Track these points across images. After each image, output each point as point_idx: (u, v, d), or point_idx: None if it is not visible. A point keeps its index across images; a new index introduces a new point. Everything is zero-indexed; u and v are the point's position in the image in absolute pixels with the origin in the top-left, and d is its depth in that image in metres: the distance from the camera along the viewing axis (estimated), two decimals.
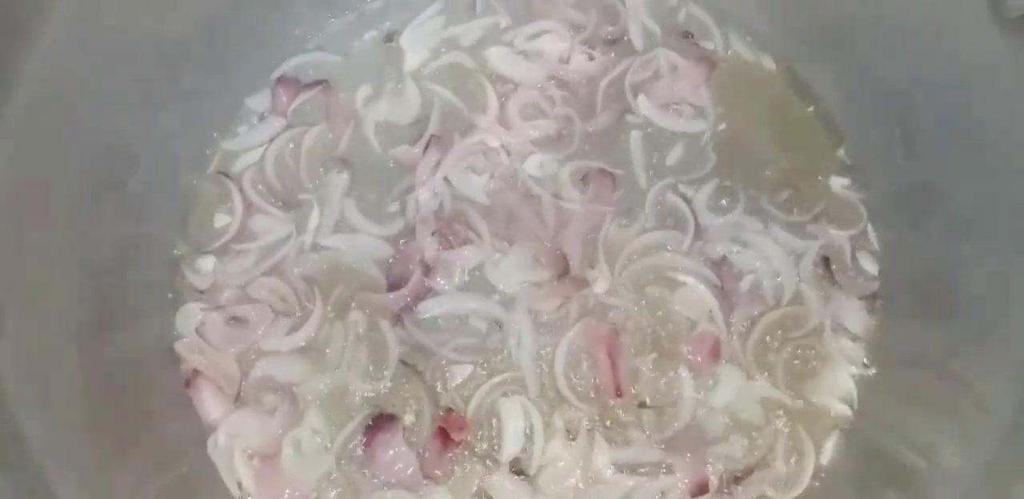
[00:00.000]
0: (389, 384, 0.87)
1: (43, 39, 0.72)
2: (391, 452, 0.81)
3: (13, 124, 0.69)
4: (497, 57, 1.01)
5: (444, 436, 0.83)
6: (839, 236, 0.94)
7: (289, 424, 0.84)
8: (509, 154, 0.97)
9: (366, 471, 0.83)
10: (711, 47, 1.02)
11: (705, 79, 1.01)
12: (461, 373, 0.87)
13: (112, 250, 0.82)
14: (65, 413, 0.66)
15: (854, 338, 0.91)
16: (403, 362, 0.87)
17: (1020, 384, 0.72)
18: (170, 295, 0.89)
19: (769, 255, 0.93)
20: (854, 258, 0.94)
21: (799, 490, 0.86)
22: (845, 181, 0.97)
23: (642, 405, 0.88)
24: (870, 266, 0.94)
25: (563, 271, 0.92)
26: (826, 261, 0.93)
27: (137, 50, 0.83)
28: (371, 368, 0.87)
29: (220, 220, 0.93)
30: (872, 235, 0.95)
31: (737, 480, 0.85)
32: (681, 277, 0.92)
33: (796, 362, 0.90)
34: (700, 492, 0.84)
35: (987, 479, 0.70)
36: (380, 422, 0.83)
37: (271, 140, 0.96)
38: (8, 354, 0.62)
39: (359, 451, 0.84)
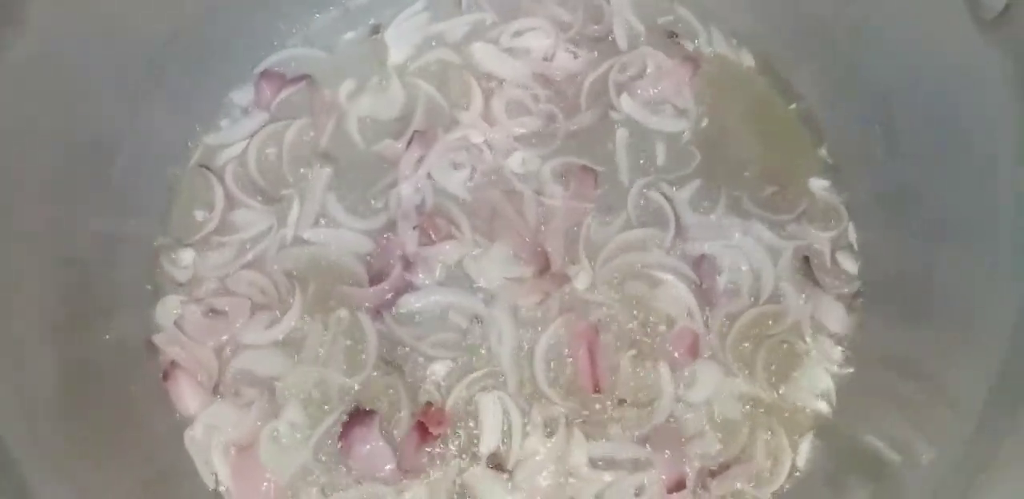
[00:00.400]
0: (368, 379, 0.86)
1: (24, 27, 0.71)
2: (367, 447, 0.81)
3: None
4: (482, 54, 1.02)
5: (423, 430, 0.83)
6: (819, 237, 0.95)
7: (267, 417, 0.84)
8: (492, 150, 0.97)
9: (343, 465, 0.83)
10: (695, 47, 1.03)
11: (688, 79, 1.01)
12: (440, 368, 0.88)
13: (91, 241, 0.82)
14: (42, 406, 0.66)
15: (833, 336, 0.92)
16: (382, 357, 0.87)
17: (988, 382, 0.73)
18: (149, 287, 0.88)
19: (749, 253, 0.94)
20: (834, 258, 0.95)
21: (775, 486, 0.87)
22: (825, 183, 0.97)
23: (621, 402, 0.88)
24: (850, 266, 0.95)
25: (544, 267, 0.92)
26: (806, 260, 0.94)
27: (120, 41, 0.83)
28: (350, 363, 0.87)
29: (201, 213, 0.93)
30: (852, 235, 0.96)
31: (712, 474, 0.86)
32: (661, 274, 0.92)
33: (775, 360, 0.91)
34: (677, 488, 0.85)
35: (956, 471, 0.70)
36: (357, 417, 0.83)
37: (253, 134, 0.96)
38: None
39: (336, 445, 0.84)
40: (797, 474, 0.88)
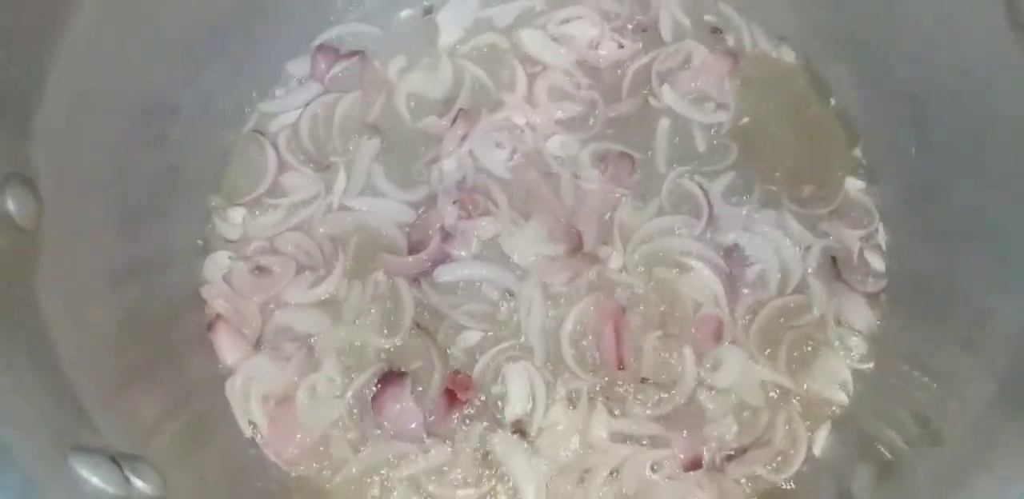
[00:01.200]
0: (402, 342, 0.90)
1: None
2: (398, 406, 0.85)
3: (67, 74, 0.71)
4: (529, 39, 1.05)
5: (451, 396, 0.87)
6: (849, 235, 0.97)
7: (305, 371, 0.87)
8: (533, 132, 1.00)
9: (374, 422, 0.87)
10: (737, 43, 1.06)
11: (728, 73, 1.04)
12: (471, 337, 0.91)
13: (149, 197, 0.85)
14: (96, 338, 0.69)
15: (856, 333, 0.94)
16: (416, 322, 0.91)
17: (999, 381, 0.74)
18: (200, 242, 0.92)
19: (779, 246, 0.96)
20: (862, 256, 0.97)
21: (790, 472, 0.89)
22: (860, 184, 1.00)
23: (643, 380, 0.91)
24: (877, 264, 0.97)
25: (576, 247, 0.95)
26: (833, 260, 0.96)
27: (186, 7, 0.86)
28: (386, 326, 0.91)
29: (253, 175, 0.97)
30: (882, 234, 0.98)
31: (730, 458, 0.88)
32: (691, 261, 0.95)
33: (797, 350, 0.93)
34: (693, 467, 0.87)
35: (960, 462, 0.73)
36: (390, 377, 0.87)
37: (307, 104, 0.99)
38: (47, 281, 0.65)
39: (369, 403, 0.87)
40: (812, 461, 0.90)
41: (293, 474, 0.85)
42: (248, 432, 0.86)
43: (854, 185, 1.00)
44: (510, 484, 0.86)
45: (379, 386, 0.87)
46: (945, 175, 0.89)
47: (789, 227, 0.97)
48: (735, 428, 0.90)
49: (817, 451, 0.90)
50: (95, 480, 0.50)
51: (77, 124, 0.74)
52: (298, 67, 1.02)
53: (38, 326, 0.60)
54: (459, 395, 0.86)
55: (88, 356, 0.64)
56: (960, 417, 0.77)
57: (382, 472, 0.86)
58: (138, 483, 0.55)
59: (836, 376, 0.93)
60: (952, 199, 0.89)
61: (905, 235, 0.96)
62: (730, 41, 1.06)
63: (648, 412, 0.89)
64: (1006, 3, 0.76)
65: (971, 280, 0.84)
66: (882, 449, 0.84)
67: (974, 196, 0.85)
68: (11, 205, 0.62)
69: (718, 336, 0.92)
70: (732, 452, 0.89)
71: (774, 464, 0.89)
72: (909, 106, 0.92)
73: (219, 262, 0.91)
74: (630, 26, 1.06)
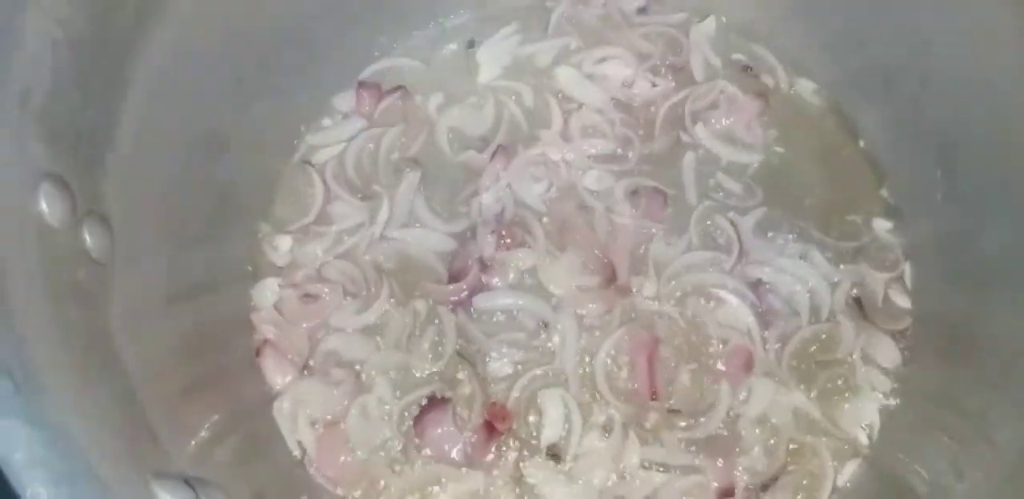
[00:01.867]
0: (445, 368, 0.93)
1: (165, 21, 0.79)
2: (439, 431, 0.88)
3: (135, 113, 0.76)
4: (564, 77, 1.09)
5: (489, 427, 0.90)
6: (875, 276, 1.00)
7: (353, 395, 0.90)
8: (569, 167, 1.04)
9: (416, 445, 0.90)
10: (769, 82, 1.09)
11: (757, 114, 1.07)
12: (506, 364, 0.94)
13: (203, 226, 0.89)
14: (156, 364, 0.72)
15: (882, 370, 0.96)
16: (456, 350, 0.94)
17: None
18: (250, 269, 0.96)
19: (807, 282, 0.99)
20: (887, 296, 0.99)
21: None
22: (888, 225, 1.02)
23: (675, 411, 0.93)
24: (903, 304, 0.99)
25: (610, 279, 0.98)
26: (858, 300, 0.99)
27: (235, 51, 0.90)
28: (430, 352, 0.94)
29: (301, 204, 1.01)
30: (908, 275, 1.00)
31: (765, 488, 0.90)
32: (722, 294, 0.98)
33: (828, 385, 0.95)
34: (726, 495, 0.90)
35: None
36: (433, 402, 0.90)
37: (352, 138, 1.03)
38: (116, 309, 0.68)
39: (411, 426, 0.90)
40: (837, 492, 0.92)
41: (340, 494, 0.88)
42: (297, 453, 0.89)
43: (881, 225, 1.02)
44: None
45: (422, 411, 0.90)
46: (973, 218, 0.92)
47: (817, 264, 1.00)
48: (765, 459, 0.92)
49: (842, 484, 0.92)
50: None
51: (141, 160, 0.78)
52: (343, 102, 1.06)
53: (113, 354, 0.63)
54: (497, 426, 0.89)
55: (150, 382, 0.67)
56: (988, 459, 0.79)
57: (422, 494, 0.88)
58: None
59: (863, 417, 0.95)
60: (981, 242, 0.91)
61: (932, 276, 0.98)
62: (762, 79, 1.09)
63: (681, 441, 0.91)
64: None
65: (1001, 323, 0.85)
66: (909, 491, 0.86)
67: (1003, 239, 0.87)
68: (88, 240, 0.66)
69: (749, 367, 0.95)
70: (766, 481, 0.91)
71: (800, 496, 0.91)
72: (937, 149, 0.95)
73: (269, 288, 0.94)
74: (663, 66, 1.10)
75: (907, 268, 1.01)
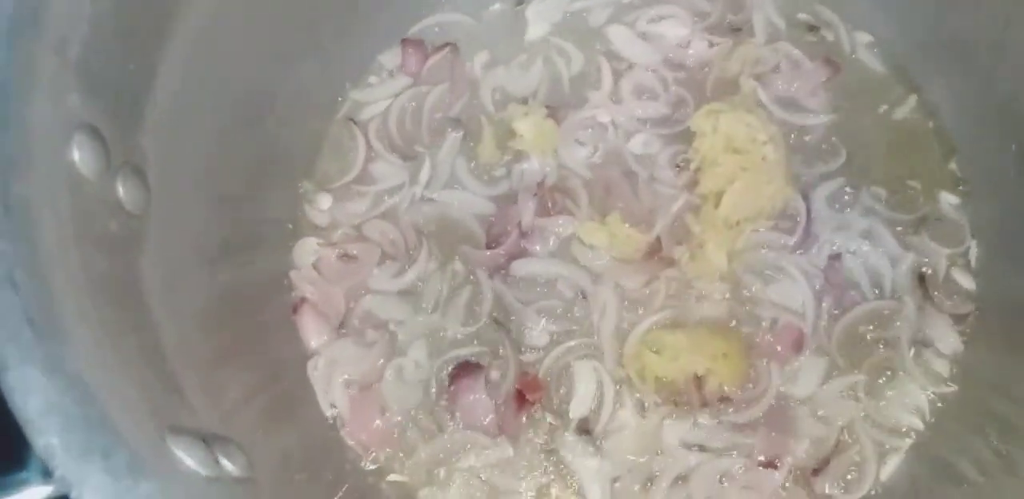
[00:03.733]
0: (480, 332, 0.92)
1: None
2: (472, 397, 0.87)
3: (176, 68, 0.74)
4: (617, 36, 1.04)
5: (520, 397, 0.88)
6: (939, 252, 0.95)
7: (389, 355, 0.90)
8: (617, 130, 1.00)
9: (448, 411, 0.89)
10: (834, 47, 1.03)
11: (825, 82, 1.01)
12: (543, 333, 0.92)
13: (244, 182, 0.88)
14: (190, 319, 0.72)
15: (940, 355, 0.92)
16: (492, 316, 0.92)
17: None
18: (290, 227, 0.96)
19: (870, 258, 0.94)
20: (950, 276, 0.94)
21: (861, 493, 0.88)
22: (954, 199, 0.97)
23: (724, 398, 0.90)
24: (967, 285, 0.94)
25: (655, 249, 0.95)
26: (921, 277, 0.94)
27: (279, 6, 0.88)
28: (467, 315, 0.93)
29: (344, 162, 0.99)
30: (973, 253, 0.95)
31: (816, 472, 0.87)
32: (777, 269, 0.94)
33: (881, 367, 0.92)
34: (771, 466, 0.87)
35: None
36: (466, 368, 0.89)
37: (397, 95, 1.01)
38: (150, 263, 0.68)
39: (444, 391, 0.90)
40: (879, 485, 0.89)
41: (370, 459, 0.88)
42: (329, 413, 0.89)
43: (948, 200, 0.97)
44: (572, 482, 0.88)
45: (455, 376, 0.89)
46: None
47: (882, 238, 0.95)
48: (813, 443, 0.89)
49: (885, 476, 0.88)
50: (189, 461, 0.53)
51: (182, 115, 0.77)
52: (390, 58, 1.03)
53: (142, 306, 0.64)
54: (528, 396, 0.87)
55: (183, 336, 0.67)
56: None
57: (450, 460, 0.88)
58: (227, 465, 0.57)
59: (912, 401, 0.90)
60: None
61: (999, 256, 0.93)
62: (827, 40, 1.03)
63: (723, 423, 0.89)
64: None
65: None
66: (959, 474, 0.82)
67: None
68: (122, 192, 0.65)
69: (798, 346, 0.91)
70: (817, 465, 0.88)
71: (843, 484, 0.88)
72: (1011, 123, 0.89)
73: (308, 248, 0.94)
74: (723, 24, 1.05)
75: (973, 247, 0.95)
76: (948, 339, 0.92)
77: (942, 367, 0.91)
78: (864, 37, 1.04)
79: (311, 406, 0.88)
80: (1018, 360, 0.86)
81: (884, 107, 1.01)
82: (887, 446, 0.90)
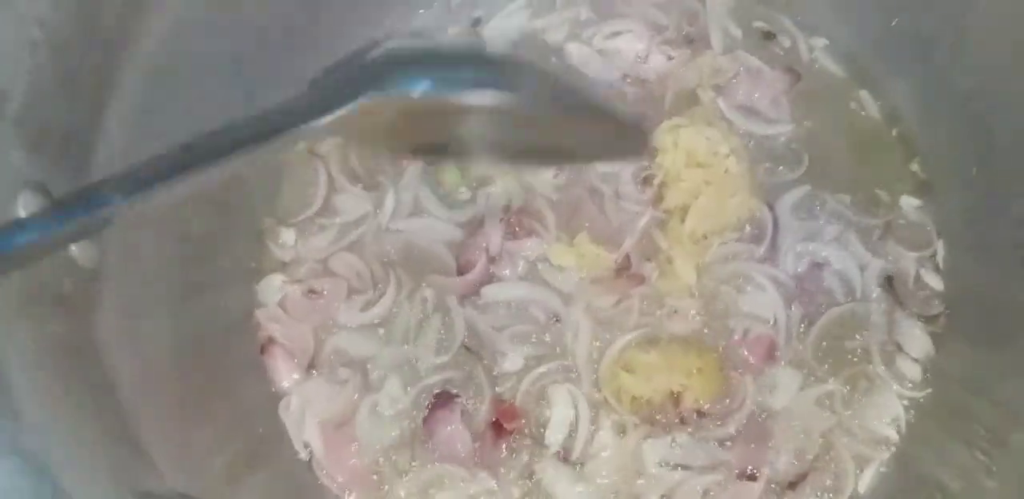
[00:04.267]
0: (453, 362, 0.91)
1: (151, 37, 0.76)
2: (448, 429, 0.86)
3: (126, 108, 0.73)
4: (575, 53, 1.04)
5: (498, 427, 0.88)
6: (906, 255, 0.95)
7: (362, 392, 0.89)
8: None
9: (424, 443, 0.88)
10: (791, 53, 1.03)
11: (786, 90, 1.02)
12: (517, 359, 0.91)
13: (204, 222, 0.86)
14: (152, 369, 0.71)
15: (911, 359, 0.92)
16: (464, 344, 0.92)
17: None
18: (254, 265, 0.94)
19: (840, 262, 0.95)
20: (919, 278, 0.95)
21: None
22: (917, 202, 0.97)
23: (701, 413, 0.90)
24: (936, 285, 0.94)
25: (623, 266, 0.95)
26: (890, 280, 0.94)
27: (235, 45, 0.87)
28: (437, 345, 0.92)
29: (306, 195, 0.98)
30: (940, 255, 0.95)
31: (792, 485, 0.87)
32: (747, 281, 0.94)
33: (854, 376, 0.92)
34: (750, 479, 0.87)
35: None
36: (441, 399, 0.88)
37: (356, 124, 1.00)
38: (106, 318, 0.66)
39: (421, 424, 0.89)
40: (860, 496, 0.89)
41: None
42: (304, 455, 0.88)
43: (910, 203, 0.97)
44: None
45: (431, 408, 0.88)
46: (1008, 195, 0.87)
47: (850, 244, 0.95)
48: (791, 456, 0.89)
49: (863, 488, 0.89)
50: None
51: (135, 157, 0.76)
52: None
53: (99, 366, 0.62)
54: (506, 425, 0.87)
55: (145, 389, 0.66)
56: (1020, 452, 0.75)
57: (429, 492, 0.87)
58: None
59: (888, 412, 0.91)
60: (1015, 221, 0.86)
61: (964, 256, 0.93)
62: (783, 48, 1.03)
63: (702, 440, 0.88)
64: None
65: None
66: (938, 482, 0.82)
67: None
68: (74, 248, 0.64)
69: (771, 356, 0.91)
70: (793, 479, 0.88)
71: (820, 496, 0.88)
72: (971, 123, 0.90)
73: (273, 285, 0.93)
74: (679, 37, 1.04)
75: (940, 247, 0.96)
76: (919, 343, 0.92)
77: (914, 372, 0.92)
78: (820, 41, 1.04)
79: (285, 448, 0.87)
80: (991, 359, 0.86)
81: (844, 112, 1.02)
82: (864, 457, 0.90)
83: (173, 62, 0.79)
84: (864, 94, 1.02)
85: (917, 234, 0.96)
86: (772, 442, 0.89)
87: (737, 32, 1.04)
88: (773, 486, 0.88)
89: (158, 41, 0.76)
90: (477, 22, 1.06)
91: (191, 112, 0.82)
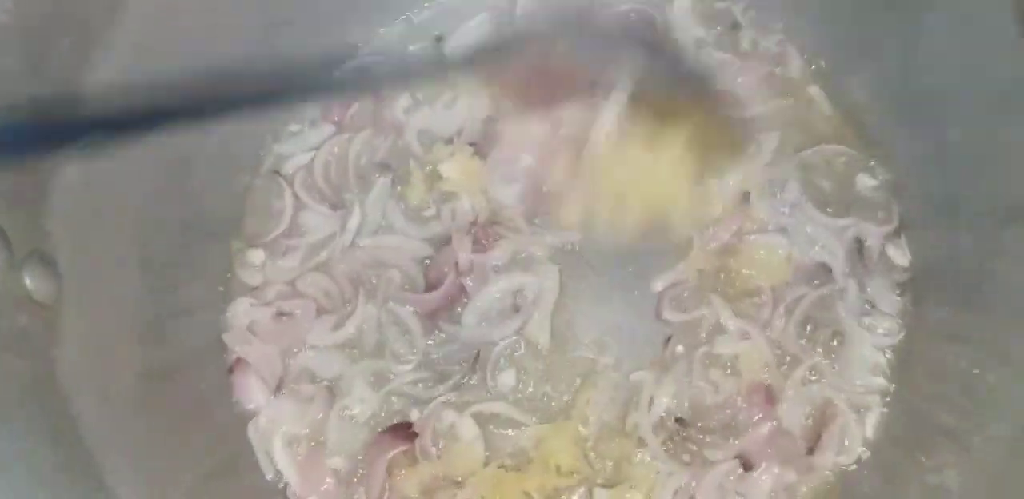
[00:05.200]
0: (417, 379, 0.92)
1: (112, 51, 0.77)
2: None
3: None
4: None
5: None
6: (871, 230, 0.96)
7: (327, 408, 0.90)
8: None
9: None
10: (753, 41, 1.04)
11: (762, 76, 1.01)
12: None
13: (169, 249, 0.88)
14: (119, 402, 0.72)
15: (884, 315, 0.94)
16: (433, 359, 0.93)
17: None
18: (222, 290, 0.95)
19: (806, 240, 0.96)
20: (884, 252, 0.96)
21: (855, 454, 0.91)
22: (873, 182, 0.98)
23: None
24: (900, 260, 0.96)
25: None
26: (860, 250, 0.96)
27: (197, 61, 0.88)
28: (404, 362, 0.93)
29: (271, 217, 0.99)
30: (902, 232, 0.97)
31: (810, 451, 0.89)
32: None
33: (829, 341, 0.93)
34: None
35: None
36: (397, 429, 0.90)
37: (320, 145, 1.01)
38: (66, 352, 0.67)
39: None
40: (871, 442, 0.91)
41: None
42: (271, 477, 0.88)
43: (866, 183, 0.98)
44: None
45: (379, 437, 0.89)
46: (964, 181, 0.88)
47: (815, 222, 0.97)
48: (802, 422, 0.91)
49: (871, 433, 0.91)
50: None
51: (95, 192, 0.77)
52: (311, 109, 1.03)
53: (60, 401, 0.63)
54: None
55: (110, 423, 0.67)
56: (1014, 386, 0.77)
57: None
58: None
59: (870, 361, 0.92)
60: (972, 204, 0.87)
61: (927, 232, 0.95)
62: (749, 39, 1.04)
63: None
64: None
65: (1004, 269, 0.83)
66: (939, 428, 0.85)
67: (996, 197, 0.84)
68: (29, 283, 0.65)
69: (772, 401, 0.92)
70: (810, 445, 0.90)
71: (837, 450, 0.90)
72: (927, 114, 0.91)
73: (241, 309, 0.93)
74: None
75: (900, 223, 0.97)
76: (889, 300, 0.94)
77: (889, 324, 0.93)
78: (777, 36, 1.04)
79: (254, 472, 0.87)
80: (961, 318, 0.88)
81: (805, 101, 1.02)
82: (863, 405, 0.92)
83: (129, 90, 0.79)
84: (821, 87, 1.02)
85: (877, 211, 0.97)
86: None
87: (700, 31, 1.04)
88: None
89: (113, 72, 0.78)
90: (440, 39, 1.06)
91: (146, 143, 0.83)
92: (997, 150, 0.83)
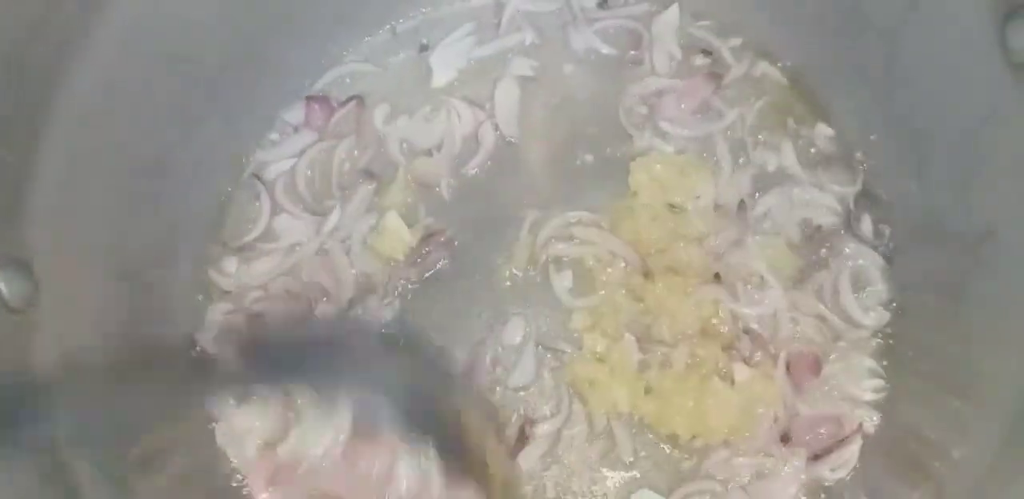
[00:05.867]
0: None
1: (88, 57, 0.78)
2: None
3: (58, 154, 0.75)
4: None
5: None
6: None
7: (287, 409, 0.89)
8: None
9: None
10: (734, 66, 1.04)
11: (713, 92, 1.03)
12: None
13: (146, 255, 0.89)
14: (96, 411, 0.71)
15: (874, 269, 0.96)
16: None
17: None
18: (200, 298, 0.96)
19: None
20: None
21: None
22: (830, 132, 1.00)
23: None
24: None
25: None
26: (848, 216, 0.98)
27: (180, 66, 0.89)
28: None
29: (249, 222, 1.00)
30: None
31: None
32: None
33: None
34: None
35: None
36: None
37: (302, 152, 1.02)
38: (44, 356, 0.69)
39: None
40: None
41: None
42: (236, 483, 0.89)
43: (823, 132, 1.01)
44: None
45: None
46: (945, 204, 0.89)
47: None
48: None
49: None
50: None
51: (72, 197, 0.78)
52: (293, 115, 1.04)
53: (34, 412, 0.64)
54: None
55: (88, 432, 0.68)
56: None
57: None
58: None
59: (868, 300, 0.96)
60: (953, 225, 0.88)
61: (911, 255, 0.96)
62: (726, 63, 1.05)
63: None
64: (1000, 44, 0.74)
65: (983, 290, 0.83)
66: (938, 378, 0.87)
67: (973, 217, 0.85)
68: (4, 290, 0.66)
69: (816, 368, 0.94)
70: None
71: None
72: (908, 138, 0.92)
73: (217, 314, 0.94)
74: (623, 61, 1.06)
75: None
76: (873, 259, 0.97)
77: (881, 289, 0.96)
78: (763, 57, 1.05)
79: (224, 477, 0.88)
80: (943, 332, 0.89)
81: (790, 121, 1.03)
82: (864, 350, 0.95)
83: (110, 91, 0.81)
84: (804, 108, 1.03)
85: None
86: None
87: (679, 53, 1.05)
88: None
89: (95, 71, 0.78)
90: (424, 48, 1.07)
91: (131, 136, 0.84)
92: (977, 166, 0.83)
